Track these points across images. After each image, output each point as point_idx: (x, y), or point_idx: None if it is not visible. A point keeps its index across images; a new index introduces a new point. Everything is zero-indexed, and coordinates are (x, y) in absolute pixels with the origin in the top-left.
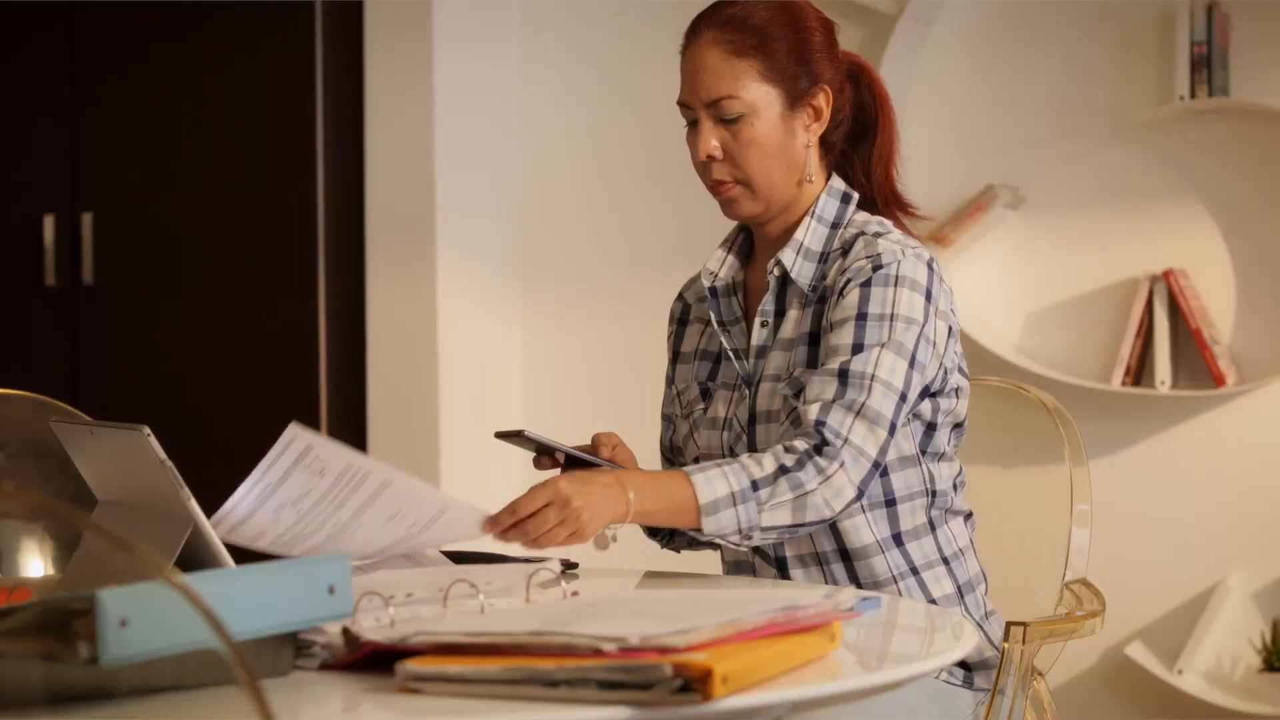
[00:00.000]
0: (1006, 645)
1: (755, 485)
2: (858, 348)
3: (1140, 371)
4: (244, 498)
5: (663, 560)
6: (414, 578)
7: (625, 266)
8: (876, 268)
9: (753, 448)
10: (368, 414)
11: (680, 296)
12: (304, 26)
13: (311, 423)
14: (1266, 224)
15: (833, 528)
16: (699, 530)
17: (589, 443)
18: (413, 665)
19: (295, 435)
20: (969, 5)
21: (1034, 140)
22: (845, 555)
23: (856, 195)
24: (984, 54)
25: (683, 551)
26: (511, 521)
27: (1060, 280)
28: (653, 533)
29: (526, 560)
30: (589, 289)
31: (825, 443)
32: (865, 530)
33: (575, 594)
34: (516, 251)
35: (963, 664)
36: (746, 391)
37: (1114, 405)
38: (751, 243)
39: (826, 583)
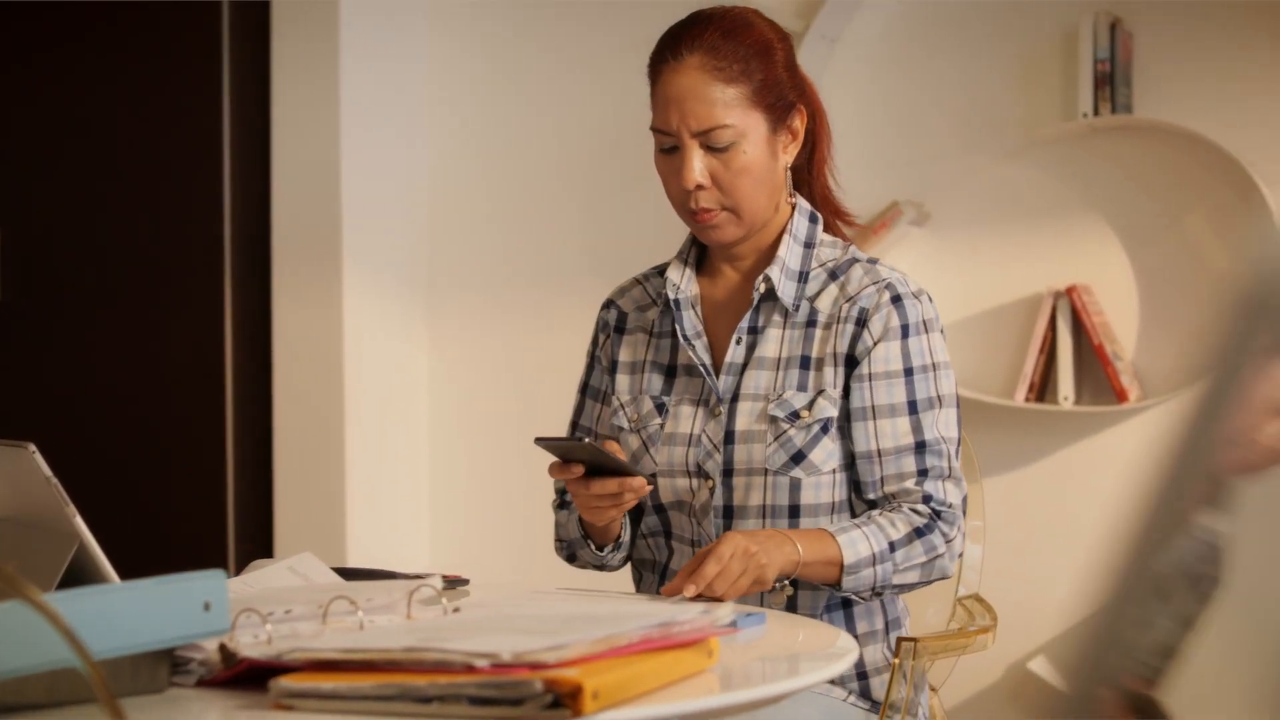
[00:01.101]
0: (897, 660)
1: (892, 547)
2: (913, 406)
3: (1044, 388)
4: None
5: (562, 575)
6: (294, 594)
7: (532, 281)
8: (895, 299)
9: (729, 466)
10: (274, 430)
11: (612, 304)
12: (211, 36)
13: (217, 440)
14: (1169, 240)
15: None
16: (836, 586)
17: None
18: (286, 682)
19: None
20: (875, 22)
21: (939, 157)
22: (793, 584)
23: (820, 216)
24: (889, 71)
25: (587, 569)
26: (704, 585)
27: (964, 297)
28: (570, 543)
29: (409, 576)
30: (496, 303)
31: (937, 514)
32: None
33: (456, 610)
34: (423, 266)
35: (870, 695)
36: (721, 410)
37: (1018, 421)
38: (701, 256)
39: None
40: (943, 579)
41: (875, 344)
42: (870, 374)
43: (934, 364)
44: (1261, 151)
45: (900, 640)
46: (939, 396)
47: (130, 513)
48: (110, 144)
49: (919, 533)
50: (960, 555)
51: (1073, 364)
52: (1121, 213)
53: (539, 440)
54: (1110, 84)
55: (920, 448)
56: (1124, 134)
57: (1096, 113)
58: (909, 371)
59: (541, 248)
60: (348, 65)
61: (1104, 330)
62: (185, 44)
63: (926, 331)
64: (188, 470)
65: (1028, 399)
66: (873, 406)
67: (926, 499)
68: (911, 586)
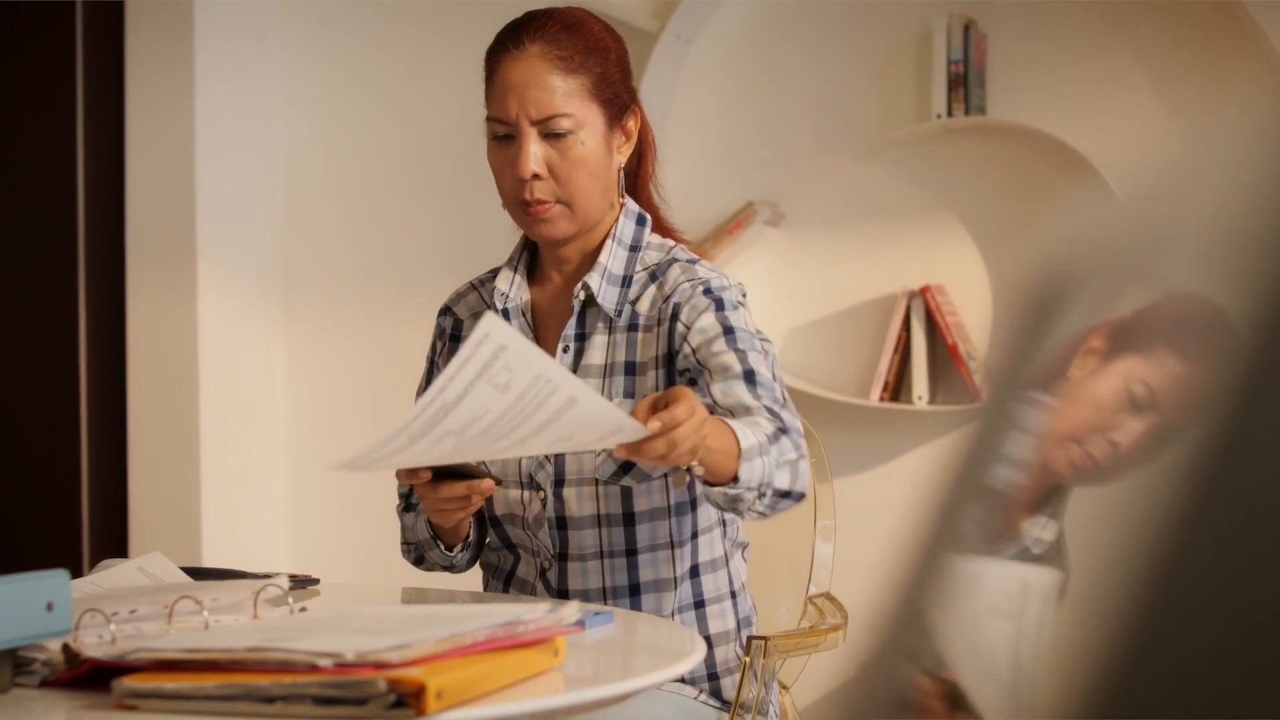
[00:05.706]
0: (747, 659)
1: (769, 438)
2: (732, 342)
3: (898, 387)
4: (413, 420)
5: (414, 577)
6: (140, 594)
7: (386, 281)
8: (707, 290)
9: (560, 475)
10: (128, 429)
11: (449, 311)
12: (65, 35)
13: (71, 437)
14: (1021, 240)
15: (632, 563)
16: (733, 481)
17: None
18: (129, 682)
19: (490, 330)
20: (730, 22)
21: (794, 157)
22: (636, 590)
23: (649, 218)
24: (745, 71)
25: (434, 570)
26: (671, 425)
27: (819, 297)
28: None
29: (257, 576)
30: (351, 303)
31: (784, 429)
32: (666, 565)
33: (303, 609)
34: (278, 266)
35: (722, 695)
36: None
37: (873, 421)
38: (533, 261)
39: None
40: (799, 497)
41: (690, 328)
42: (693, 348)
43: (752, 330)
44: (1112, 153)
45: (751, 639)
46: (763, 351)
47: None
48: None
49: (782, 431)
50: (808, 483)
51: (927, 364)
52: (975, 213)
53: None
54: (964, 85)
55: (749, 376)
56: (978, 135)
57: (950, 114)
58: (729, 330)
59: (395, 248)
60: (202, 65)
61: (958, 330)
62: (38, 43)
63: (741, 308)
64: (42, 469)
65: (882, 398)
66: (699, 364)
67: (772, 412)
68: (783, 497)
